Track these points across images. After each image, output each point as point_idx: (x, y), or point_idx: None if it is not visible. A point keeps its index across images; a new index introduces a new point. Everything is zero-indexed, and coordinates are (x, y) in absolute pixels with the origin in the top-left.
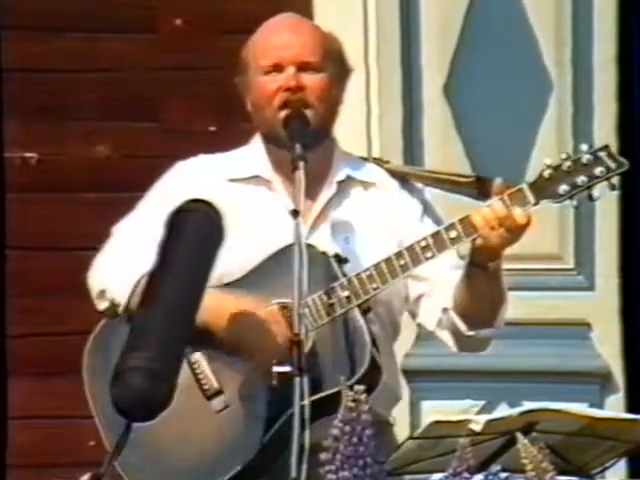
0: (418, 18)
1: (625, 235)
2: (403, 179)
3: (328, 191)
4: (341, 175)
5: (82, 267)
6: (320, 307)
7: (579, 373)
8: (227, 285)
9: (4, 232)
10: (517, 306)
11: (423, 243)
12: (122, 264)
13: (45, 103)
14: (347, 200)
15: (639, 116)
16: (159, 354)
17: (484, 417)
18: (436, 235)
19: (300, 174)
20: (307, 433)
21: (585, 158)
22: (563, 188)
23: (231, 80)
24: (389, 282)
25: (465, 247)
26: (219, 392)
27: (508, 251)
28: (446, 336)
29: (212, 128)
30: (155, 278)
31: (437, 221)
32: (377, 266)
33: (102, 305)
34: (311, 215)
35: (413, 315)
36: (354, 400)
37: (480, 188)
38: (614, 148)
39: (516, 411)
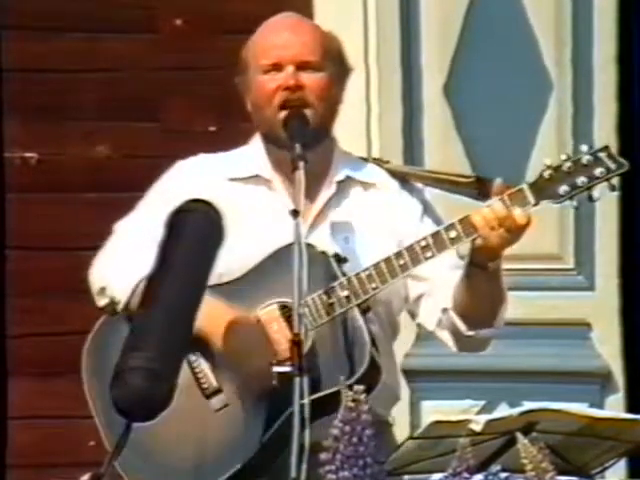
0: (418, 18)
1: (625, 235)
2: (403, 179)
3: (328, 191)
4: (341, 175)
5: (82, 267)
6: (320, 307)
7: (579, 373)
8: (227, 284)
9: (4, 232)
10: (517, 306)
11: (423, 243)
12: (123, 263)
13: (45, 103)
14: (347, 200)
15: (639, 116)
16: (159, 354)
17: (484, 417)
18: (436, 235)
19: (300, 174)
20: (307, 432)
21: (585, 159)
22: (563, 189)
23: (231, 80)
24: (388, 282)
25: (465, 247)
26: (218, 391)
27: (508, 251)
28: (446, 336)
29: (212, 128)
30: (155, 278)
31: (437, 221)
32: (376, 266)
33: (102, 302)
34: (311, 215)
35: (413, 315)
36: (354, 400)
37: (480, 188)
38: (614, 148)
39: (516, 411)
